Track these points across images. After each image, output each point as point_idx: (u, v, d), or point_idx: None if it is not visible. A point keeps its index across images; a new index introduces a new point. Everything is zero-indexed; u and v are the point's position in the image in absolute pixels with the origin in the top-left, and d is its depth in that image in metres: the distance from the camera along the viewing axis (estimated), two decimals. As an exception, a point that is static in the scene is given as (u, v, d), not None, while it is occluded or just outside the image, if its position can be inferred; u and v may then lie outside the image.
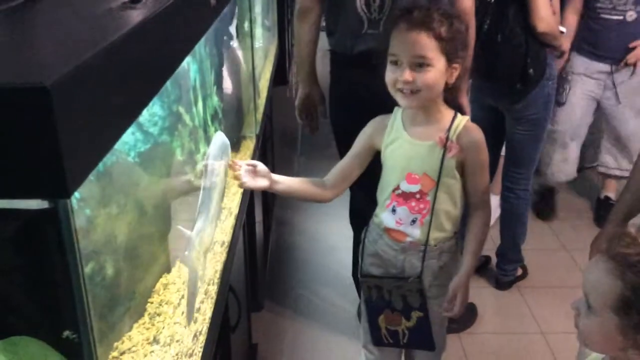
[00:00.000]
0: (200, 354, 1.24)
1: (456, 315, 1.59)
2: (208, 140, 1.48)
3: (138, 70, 0.81)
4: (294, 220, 3.39)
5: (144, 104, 0.85)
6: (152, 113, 1.13)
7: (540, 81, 2.36)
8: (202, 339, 1.27)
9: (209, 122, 1.55)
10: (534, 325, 2.52)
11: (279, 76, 4.98)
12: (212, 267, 1.42)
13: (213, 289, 1.42)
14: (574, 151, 3.19)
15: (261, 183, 1.49)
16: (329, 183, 1.64)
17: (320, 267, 2.96)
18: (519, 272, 2.80)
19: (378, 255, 1.66)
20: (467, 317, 2.47)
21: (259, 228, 2.56)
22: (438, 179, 1.52)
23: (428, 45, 1.42)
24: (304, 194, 1.63)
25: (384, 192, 1.62)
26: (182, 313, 1.17)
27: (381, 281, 1.64)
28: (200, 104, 1.46)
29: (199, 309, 1.28)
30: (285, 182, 1.57)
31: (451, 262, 1.62)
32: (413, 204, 1.56)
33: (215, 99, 1.65)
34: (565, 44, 2.74)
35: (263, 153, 2.91)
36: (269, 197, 3.10)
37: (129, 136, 1.03)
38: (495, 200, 3.01)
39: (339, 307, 2.63)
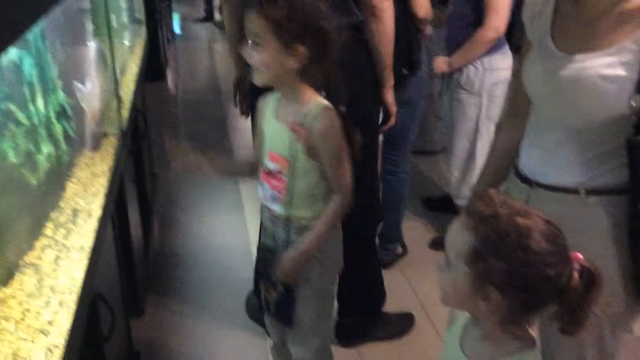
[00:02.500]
0: (57, 369, 1.14)
1: (282, 281, 1.63)
2: (52, 139, 1.37)
3: None
4: (179, 219, 3.29)
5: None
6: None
7: (420, 65, 2.45)
8: (58, 352, 1.17)
9: (53, 120, 1.43)
10: (414, 299, 2.59)
11: (154, 72, 4.82)
12: (67, 274, 1.32)
13: (71, 299, 1.32)
14: None
15: None
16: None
17: (207, 266, 2.88)
18: (400, 250, 2.87)
19: (263, 226, 1.73)
20: (402, 325, 2.45)
21: (135, 230, 2.45)
22: (292, 161, 1.54)
23: (258, 24, 1.43)
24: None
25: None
26: (28, 327, 1.07)
27: (260, 250, 1.72)
28: (39, 100, 1.35)
29: (51, 321, 1.18)
30: None
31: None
32: (274, 182, 1.60)
33: (62, 94, 1.54)
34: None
35: (137, 151, 2.79)
36: (148, 197, 2.97)
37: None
38: None
39: (227, 308, 2.56)
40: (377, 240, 2.85)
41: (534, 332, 1.09)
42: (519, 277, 0.98)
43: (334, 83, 1.55)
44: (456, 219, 1.06)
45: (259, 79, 1.51)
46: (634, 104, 1.18)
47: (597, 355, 1.41)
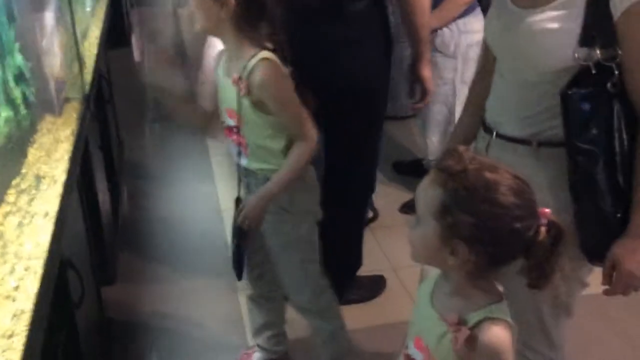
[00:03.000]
0: (26, 333, 1.13)
1: (244, 225, 1.66)
2: (11, 103, 1.32)
3: None
4: (148, 187, 3.25)
5: None
6: None
7: None
8: (25, 317, 1.16)
9: (12, 83, 1.39)
10: (386, 262, 2.62)
11: (118, 38, 4.69)
12: (32, 240, 1.29)
13: (38, 264, 1.30)
14: None
15: None
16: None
17: (178, 233, 2.86)
18: (370, 214, 2.89)
19: (240, 180, 1.77)
20: (374, 288, 2.48)
21: (103, 196, 2.41)
22: (243, 115, 1.57)
23: None
24: None
25: None
26: (-7, 293, 1.06)
27: (236, 202, 1.76)
28: (-5, 62, 1.30)
29: (17, 287, 1.16)
30: None
31: (282, 194, 1.64)
32: (235, 137, 1.63)
33: (19, 57, 1.48)
34: None
35: (103, 117, 2.73)
36: (115, 164, 2.93)
37: None
38: None
39: (198, 273, 2.56)
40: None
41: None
42: (487, 230, 1.00)
43: (278, 41, 1.56)
44: (426, 176, 1.07)
45: (197, 27, 1.55)
46: (577, 55, 1.22)
47: (553, 309, 1.45)
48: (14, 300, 1.13)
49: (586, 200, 1.30)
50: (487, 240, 1.00)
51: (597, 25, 1.21)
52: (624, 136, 1.24)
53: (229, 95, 1.58)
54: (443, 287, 1.13)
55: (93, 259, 2.02)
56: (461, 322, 1.06)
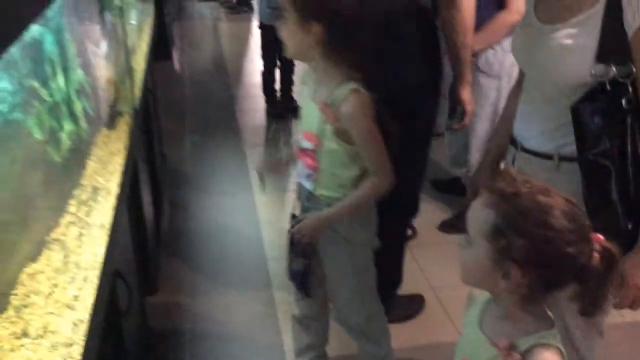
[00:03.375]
0: (83, 343, 1.16)
1: (296, 236, 1.68)
2: (73, 117, 1.37)
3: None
4: (188, 200, 3.30)
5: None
6: (0, 88, 1.02)
7: None
8: (83, 327, 1.19)
9: (74, 98, 1.44)
10: (424, 280, 2.61)
11: (161, 51, 4.80)
12: (90, 251, 1.33)
13: (94, 274, 1.34)
14: None
15: None
16: None
17: (217, 246, 2.89)
18: (409, 232, 2.88)
19: (300, 202, 1.78)
20: (413, 307, 2.47)
21: (148, 209, 2.46)
22: (321, 141, 1.58)
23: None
24: None
25: None
26: (56, 302, 1.09)
27: (294, 222, 1.74)
28: (60, 78, 1.35)
29: (77, 297, 1.20)
30: None
31: (341, 225, 1.65)
32: (307, 160, 1.64)
33: (80, 72, 1.54)
34: None
35: (148, 130, 2.79)
36: (159, 177, 2.98)
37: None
38: None
39: (238, 285, 2.59)
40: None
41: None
42: (539, 254, 0.99)
43: (364, 69, 1.57)
44: (478, 197, 1.08)
45: (286, 52, 1.58)
46: (593, 72, 1.25)
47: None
48: (73, 309, 1.17)
49: (600, 213, 1.30)
50: (540, 264, 1.00)
51: (613, 42, 1.23)
52: (638, 150, 1.25)
53: (312, 118, 1.60)
54: (493, 311, 1.13)
55: (138, 269, 2.06)
56: (512, 347, 1.06)
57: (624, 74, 1.23)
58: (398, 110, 1.96)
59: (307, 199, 1.71)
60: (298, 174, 1.71)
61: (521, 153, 1.45)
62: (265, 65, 4.39)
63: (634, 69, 1.23)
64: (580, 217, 1.02)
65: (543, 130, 1.39)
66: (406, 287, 2.47)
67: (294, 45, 1.55)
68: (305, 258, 1.71)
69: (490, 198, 1.04)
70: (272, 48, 4.20)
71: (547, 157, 1.38)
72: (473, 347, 1.14)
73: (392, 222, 2.19)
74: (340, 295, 1.80)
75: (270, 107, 4.48)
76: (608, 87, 1.23)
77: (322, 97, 1.56)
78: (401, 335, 2.28)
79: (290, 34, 1.53)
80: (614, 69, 1.23)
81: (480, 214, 1.05)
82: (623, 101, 1.23)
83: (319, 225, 1.66)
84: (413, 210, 2.42)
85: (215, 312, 2.44)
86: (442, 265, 2.62)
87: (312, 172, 1.64)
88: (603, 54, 1.24)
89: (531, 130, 1.42)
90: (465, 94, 2.12)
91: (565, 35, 1.28)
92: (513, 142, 1.47)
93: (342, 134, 1.55)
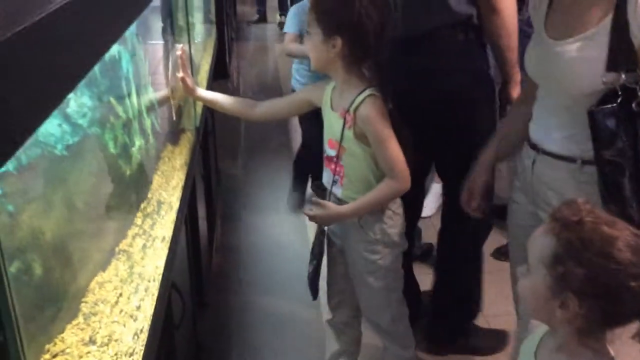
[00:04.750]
0: (142, 353, 1.20)
1: (311, 219, 1.77)
2: (143, 133, 1.43)
3: (63, 51, 0.77)
4: (240, 216, 3.35)
5: (68, 89, 0.81)
6: (81, 104, 1.08)
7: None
8: (143, 337, 1.23)
9: (144, 114, 1.50)
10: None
11: (220, 69, 4.92)
12: (152, 263, 1.37)
13: (154, 286, 1.38)
14: None
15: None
16: (259, 106, 1.87)
17: (268, 262, 2.92)
18: None
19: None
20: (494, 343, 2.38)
21: (202, 223, 2.51)
22: (345, 147, 1.65)
23: (309, 14, 1.63)
24: (230, 107, 1.90)
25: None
26: (121, 312, 1.13)
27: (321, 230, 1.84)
28: (134, 95, 1.41)
29: (139, 307, 1.23)
30: (211, 94, 1.92)
31: (373, 224, 1.71)
32: (333, 166, 1.71)
33: (150, 90, 1.60)
34: None
35: (205, 146, 2.86)
36: (213, 192, 3.04)
37: (56, 128, 0.98)
38: (437, 188, 3.05)
39: (287, 301, 2.61)
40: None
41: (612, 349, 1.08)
42: (599, 285, 0.97)
43: (381, 78, 1.64)
44: (542, 225, 1.07)
45: (312, 65, 1.69)
46: (604, 80, 1.32)
47: None
48: (135, 319, 1.20)
49: (615, 211, 1.30)
50: (599, 295, 0.98)
51: (621, 52, 1.30)
52: None
53: (334, 127, 1.67)
54: (549, 343, 1.11)
55: (192, 283, 2.10)
56: None
57: (633, 80, 1.30)
58: (457, 123, 1.99)
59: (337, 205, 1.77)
60: (327, 181, 1.77)
61: (542, 156, 1.50)
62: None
63: None
64: None
65: (560, 136, 1.45)
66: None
67: (317, 58, 1.64)
68: (315, 259, 1.80)
69: (553, 225, 1.03)
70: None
71: (571, 160, 1.43)
72: (527, 378, 1.12)
73: (466, 246, 2.19)
74: (367, 295, 1.84)
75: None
76: (619, 92, 1.31)
77: (343, 105, 1.64)
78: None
79: (314, 48, 1.63)
80: (623, 76, 1.30)
81: (541, 240, 1.04)
82: (633, 105, 1.30)
83: (334, 219, 1.74)
84: (487, 228, 2.36)
85: (263, 328, 2.45)
86: (495, 293, 2.58)
87: (339, 178, 1.71)
88: (612, 64, 1.31)
89: (552, 135, 1.47)
90: (515, 94, 2.11)
91: (577, 48, 1.36)
92: (533, 146, 1.53)
93: (361, 137, 1.63)
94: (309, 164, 3.24)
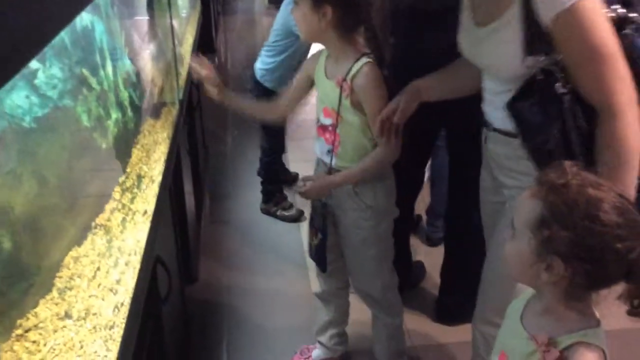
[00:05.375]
0: (124, 325, 1.19)
1: (302, 195, 1.79)
2: (120, 105, 1.40)
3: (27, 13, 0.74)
4: (229, 193, 3.33)
5: (30, 54, 0.78)
6: (50, 75, 1.05)
7: None
8: (124, 310, 1.22)
9: (120, 86, 1.47)
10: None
11: (206, 43, 4.85)
12: (133, 236, 1.36)
13: (136, 260, 1.36)
14: None
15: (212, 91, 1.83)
16: (279, 104, 1.88)
17: (258, 237, 2.92)
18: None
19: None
20: (417, 273, 2.55)
21: (189, 199, 2.50)
22: (341, 115, 1.65)
23: None
24: (255, 109, 1.98)
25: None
26: (99, 285, 1.12)
27: (313, 201, 1.85)
28: (109, 66, 1.38)
29: (119, 280, 1.22)
30: (240, 101, 1.95)
31: (368, 191, 1.72)
32: (327, 135, 1.71)
33: (127, 62, 1.57)
34: None
35: (191, 122, 2.83)
36: (200, 168, 3.03)
37: (23, 100, 0.96)
38: None
39: (278, 275, 2.61)
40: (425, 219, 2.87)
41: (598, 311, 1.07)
42: (584, 247, 0.97)
43: (376, 46, 1.63)
44: (527, 188, 1.06)
45: (302, 36, 1.68)
46: (526, 64, 1.31)
47: None
48: (115, 293, 1.19)
49: None
50: (584, 258, 0.97)
51: (535, 35, 1.29)
52: (580, 132, 1.30)
53: (330, 95, 1.66)
54: (535, 306, 1.10)
55: (179, 257, 2.09)
56: (551, 343, 1.03)
57: (552, 62, 1.30)
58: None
59: (330, 174, 1.77)
60: (320, 151, 1.76)
61: (492, 133, 1.50)
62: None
63: (560, 57, 1.29)
64: (632, 213, 0.98)
65: (506, 114, 1.43)
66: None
67: (308, 29, 1.63)
68: (321, 232, 1.80)
69: (539, 189, 1.02)
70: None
71: (512, 135, 1.42)
72: (512, 340, 1.13)
73: (473, 221, 2.18)
74: (359, 263, 1.85)
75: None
76: (540, 76, 1.31)
77: (339, 73, 1.63)
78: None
79: (304, 18, 1.61)
80: (542, 58, 1.30)
81: (526, 204, 1.04)
82: (557, 85, 1.29)
83: (326, 188, 1.74)
84: None
85: (253, 301, 2.46)
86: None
87: (332, 147, 1.70)
88: (529, 47, 1.31)
89: (495, 113, 1.48)
90: None
91: (494, 34, 1.36)
92: (485, 123, 1.53)
93: (358, 105, 1.63)
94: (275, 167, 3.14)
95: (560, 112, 1.30)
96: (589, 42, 1.24)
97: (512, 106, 1.37)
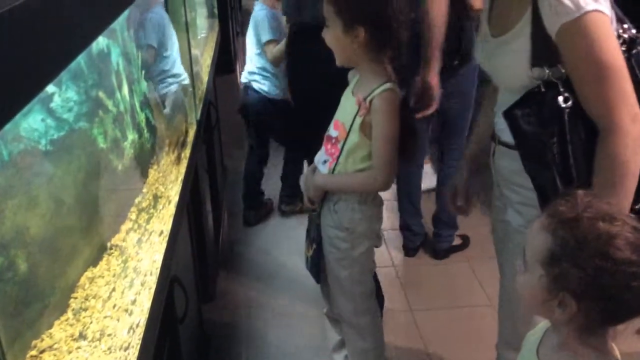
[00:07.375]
0: (139, 346, 1.19)
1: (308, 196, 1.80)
2: (136, 127, 1.42)
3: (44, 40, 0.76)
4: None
5: (47, 79, 0.79)
6: (66, 98, 1.07)
7: (471, 56, 2.42)
8: (139, 331, 1.22)
9: (137, 108, 1.49)
10: (484, 297, 2.54)
11: (225, 64, 4.90)
12: (148, 257, 1.37)
13: (152, 280, 1.37)
14: None
15: None
16: None
17: (275, 257, 2.91)
18: (458, 241, 2.83)
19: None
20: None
21: (207, 219, 2.51)
22: (349, 132, 1.65)
23: (326, 8, 1.59)
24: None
25: None
26: (114, 306, 1.12)
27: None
28: (124, 89, 1.40)
29: (134, 301, 1.23)
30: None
31: (346, 212, 1.70)
32: (329, 146, 1.71)
33: (144, 84, 1.59)
34: None
35: (209, 141, 2.85)
36: (219, 187, 3.04)
37: (39, 123, 0.97)
38: (426, 168, 3.06)
39: (295, 296, 2.60)
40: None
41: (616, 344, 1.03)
42: (597, 286, 0.93)
43: (403, 75, 1.64)
44: (537, 219, 1.03)
45: (336, 59, 1.65)
46: (530, 75, 1.31)
47: None
48: (130, 313, 1.20)
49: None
50: (597, 297, 0.93)
51: (543, 47, 1.29)
52: (579, 147, 1.28)
53: (347, 110, 1.67)
54: (551, 339, 1.06)
55: (196, 277, 2.10)
56: None
57: (556, 75, 1.29)
58: None
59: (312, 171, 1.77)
60: (317, 157, 1.77)
61: (499, 146, 1.49)
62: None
63: (564, 70, 1.29)
64: None
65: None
66: (465, 301, 2.44)
67: (342, 53, 1.62)
68: (315, 243, 1.78)
69: (549, 222, 0.98)
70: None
71: (516, 148, 1.41)
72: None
73: None
74: (332, 282, 1.83)
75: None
76: (542, 88, 1.30)
77: (362, 94, 1.63)
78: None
79: (337, 42, 1.61)
80: (547, 71, 1.29)
81: (537, 237, 0.99)
82: (560, 99, 1.28)
83: (308, 186, 1.76)
84: None
85: (272, 320, 2.45)
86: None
87: (330, 159, 1.70)
88: (536, 58, 1.31)
89: (503, 125, 1.45)
90: None
91: (507, 45, 1.37)
92: (493, 136, 1.53)
93: (366, 128, 1.62)
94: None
95: (561, 126, 1.29)
96: (593, 55, 1.23)
97: (508, 114, 1.36)
